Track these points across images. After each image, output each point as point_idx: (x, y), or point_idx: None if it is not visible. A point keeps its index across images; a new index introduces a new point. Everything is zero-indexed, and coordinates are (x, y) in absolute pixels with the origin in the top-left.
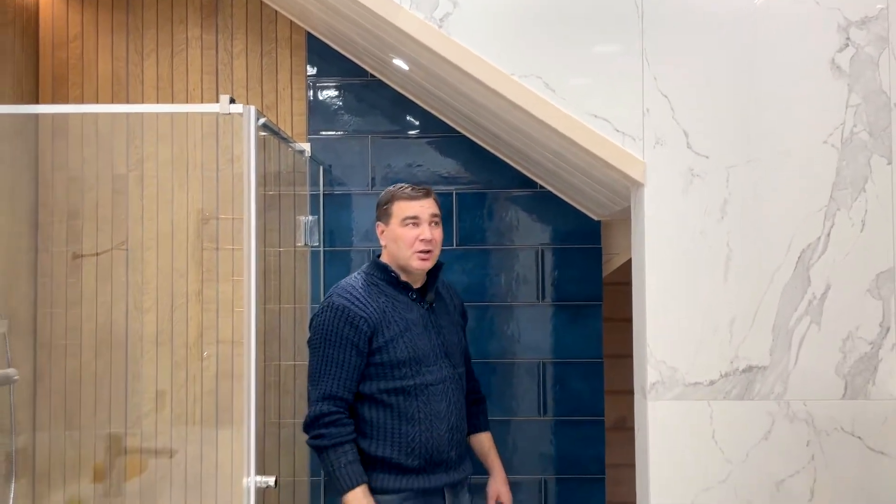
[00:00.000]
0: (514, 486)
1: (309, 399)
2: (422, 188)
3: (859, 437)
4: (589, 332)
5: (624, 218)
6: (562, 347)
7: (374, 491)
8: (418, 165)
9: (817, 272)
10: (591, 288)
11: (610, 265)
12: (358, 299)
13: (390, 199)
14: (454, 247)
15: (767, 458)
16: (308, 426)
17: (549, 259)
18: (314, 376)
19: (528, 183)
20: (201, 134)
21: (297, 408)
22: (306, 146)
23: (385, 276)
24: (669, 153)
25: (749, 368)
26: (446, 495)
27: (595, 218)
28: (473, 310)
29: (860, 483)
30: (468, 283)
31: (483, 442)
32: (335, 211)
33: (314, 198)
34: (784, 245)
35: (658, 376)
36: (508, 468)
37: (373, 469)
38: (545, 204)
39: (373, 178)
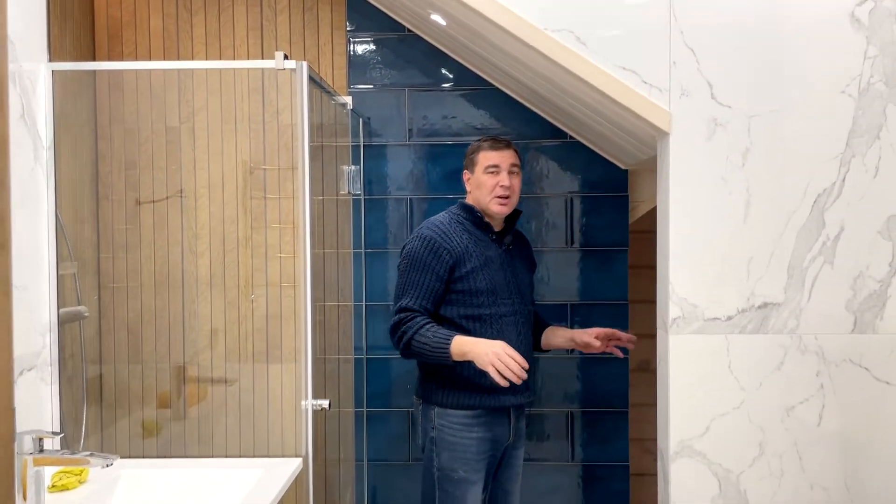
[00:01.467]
0: (542, 418)
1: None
2: (503, 139)
3: (866, 368)
4: (615, 276)
5: (650, 167)
6: (589, 290)
7: (449, 406)
8: (453, 117)
9: (832, 215)
10: (617, 234)
11: (635, 213)
12: (444, 233)
13: (476, 149)
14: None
15: (779, 387)
16: (391, 335)
17: (577, 206)
18: (397, 296)
19: (558, 133)
20: (248, 88)
21: (341, 345)
22: (348, 99)
23: (470, 216)
24: (694, 104)
25: (764, 305)
26: (511, 415)
27: (622, 167)
28: None
29: (865, 410)
30: None
31: (556, 329)
32: (374, 161)
33: (355, 149)
34: (801, 190)
35: (679, 312)
36: (538, 401)
37: (451, 387)
38: (574, 153)
39: (409, 130)
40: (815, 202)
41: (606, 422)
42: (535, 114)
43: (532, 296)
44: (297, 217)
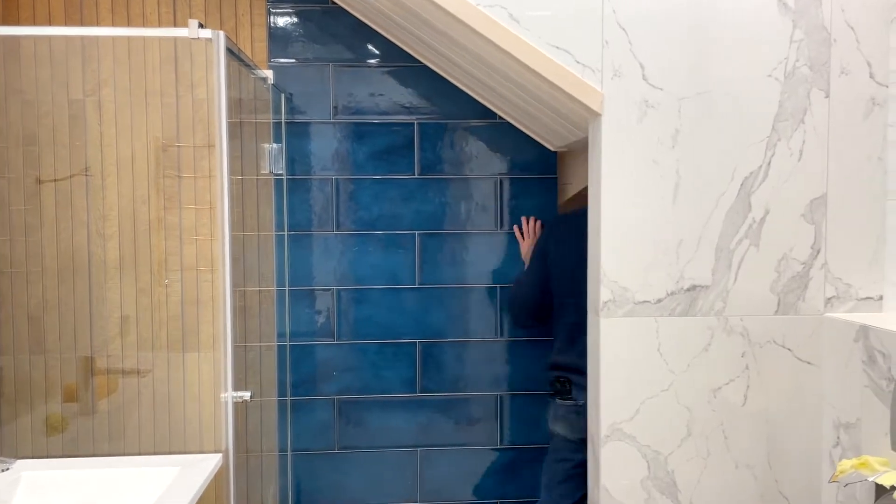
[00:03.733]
0: (471, 402)
1: None
2: None
3: (789, 349)
4: None
5: (580, 149)
6: (518, 272)
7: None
8: (380, 95)
9: (758, 198)
10: (547, 216)
11: (564, 195)
12: None
13: None
14: (415, 176)
15: (706, 368)
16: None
17: (507, 188)
18: None
19: (487, 114)
20: (160, 59)
21: (263, 332)
22: (269, 73)
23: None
24: (626, 85)
25: (693, 287)
26: None
27: (552, 149)
28: (434, 237)
29: (788, 389)
30: (429, 212)
31: None
32: (297, 139)
33: (276, 126)
34: (729, 173)
35: (610, 295)
36: (466, 386)
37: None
38: (504, 135)
39: (334, 108)
40: (742, 185)
41: (535, 403)
42: (464, 93)
43: None
44: (214, 197)
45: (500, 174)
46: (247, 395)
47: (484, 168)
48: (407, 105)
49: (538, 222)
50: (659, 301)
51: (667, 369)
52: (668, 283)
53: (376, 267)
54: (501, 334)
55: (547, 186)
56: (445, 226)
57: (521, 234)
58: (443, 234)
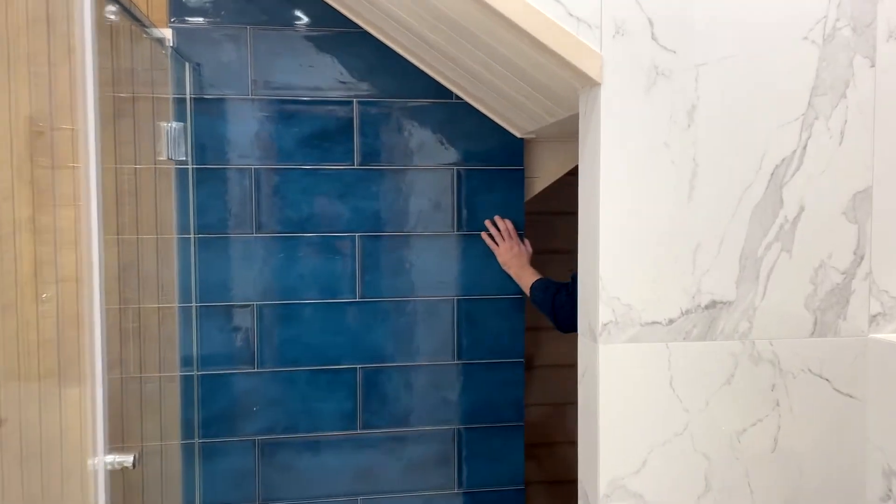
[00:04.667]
0: (423, 439)
1: None
2: None
3: (827, 380)
4: None
5: (551, 136)
6: (479, 283)
7: None
8: (310, 67)
9: (790, 191)
10: (512, 215)
11: (530, 190)
12: None
13: None
14: (354, 166)
15: (729, 405)
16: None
17: (465, 182)
18: None
19: (442, 92)
20: (27, 17)
21: (164, 359)
22: (167, 32)
23: None
24: (631, 46)
25: (713, 304)
26: None
27: (518, 135)
28: (377, 240)
29: (826, 429)
30: (372, 210)
31: None
32: (206, 119)
33: (180, 102)
34: (756, 159)
35: (611, 315)
36: (418, 419)
37: None
38: (462, 118)
39: (253, 81)
40: (772, 175)
41: (500, 436)
42: (414, 67)
43: None
44: (78, 189)
45: (456, 165)
46: (128, 459)
47: (438, 157)
48: (344, 80)
49: (509, 221)
50: (671, 322)
51: (681, 408)
52: (682, 300)
53: (307, 277)
54: (459, 356)
55: (512, 180)
56: (392, 227)
57: (494, 239)
58: (388, 237)
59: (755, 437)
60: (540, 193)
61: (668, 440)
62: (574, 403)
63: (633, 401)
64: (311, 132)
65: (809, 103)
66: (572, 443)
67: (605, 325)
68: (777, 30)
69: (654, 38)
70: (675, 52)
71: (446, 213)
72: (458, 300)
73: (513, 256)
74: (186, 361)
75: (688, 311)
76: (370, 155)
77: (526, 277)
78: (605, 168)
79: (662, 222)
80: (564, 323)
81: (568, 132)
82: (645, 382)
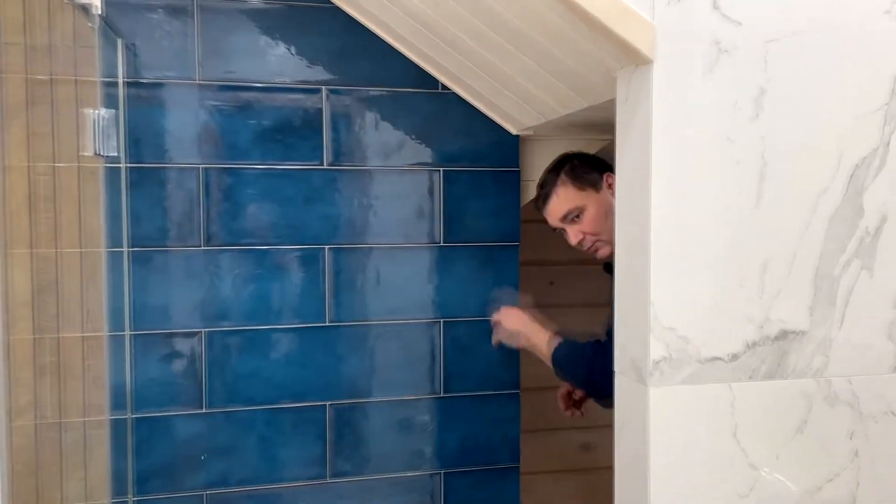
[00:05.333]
0: (406, 485)
1: None
2: (542, 184)
3: None
4: (502, 280)
5: (551, 133)
6: (467, 302)
7: None
8: (272, 47)
9: (872, 197)
10: (506, 223)
11: (525, 195)
12: None
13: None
14: (323, 166)
15: (801, 458)
16: None
17: (452, 185)
18: None
19: (426, 80)
20: None
21: (91, 399)
22: (95, 1)
23: None
24: (689, 14)
25: (783, 335)
26: None
27: (514, 131)
28: (350, 254)
29: None
30: (343, 218)
31: None
32: (143, 108)
33: (110, 87)
34: (833, 158)
35: (664, 351)
36: (399, 463)
37: None
38: (449, 110)
39: (200, 64)
40: (850, 178)
41: (492, 482)
42: (394, 50)
43: None
44: None
45: (442, 165)
46: None
47: (421, 156)
48: (312, 63)
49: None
50: (735, 357)
51: (746, 463)
52: (747, 330)
53: (266, 298)
54: (445, 388)
55: (506, 182)
56: (367, 237)
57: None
58: (363, 250)
59: (830, 496)
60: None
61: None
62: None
63: (688, 456)
64: (272, 125)
65: (894, 91)
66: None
67: (658, 362)
68: (856, 2)
69: (715, 5)
70: (740, 24)
71: (430, 222)
72: (443, 323)
73: (517, 321)
74: (118, 402)
75: (754, 344)
76: (342, 153)
77: (540, 341)
78: (657, 168)
79: (725, 235)
80: (607, 392)
81: (572, 126)
82: (704, 432)
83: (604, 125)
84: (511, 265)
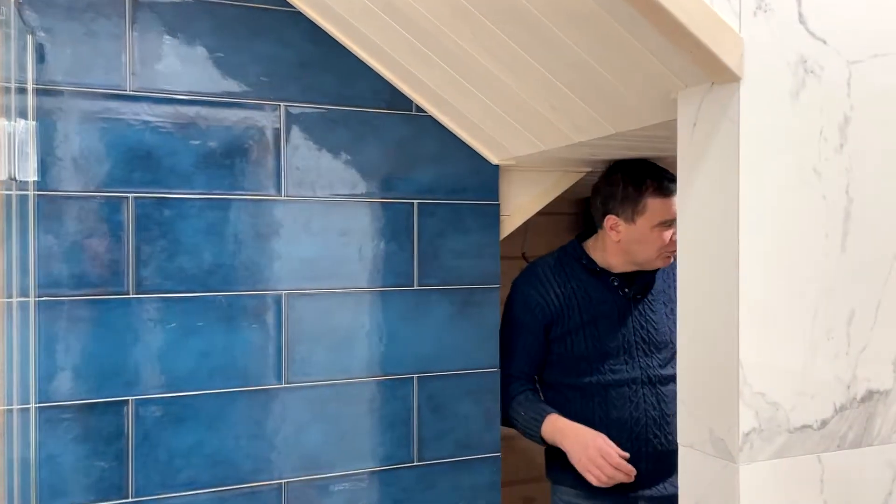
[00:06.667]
0: None
1: None
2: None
3: None
4: (482, 328)
5: (528, 165)
6: (444, 354)
7: (553, 481)
8: (218, 54)
9: None
10: (486, 263)
11: (503, 229)
12: (542, 281)
13: (640, 193)
14: (281, 196)
15: None
16: None
17: (427, 219)
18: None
19: (399, 100)
20: None
21: None
22: None
23: (577, 261)
24: (775, 27)
25: (869, 395)
26: None
27: (494, 161)
28: (311, 300)
29: None
30: (304, 258)
31: None
32: (58, 123)
33: (18, 97)
34: None
35: (755, 420)
36: None
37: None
38: (424, 135)
39: (132, 74)
40: None
41: None
42: (362, 64)
43: (673, 354)
44: None
45: (416, 197)
46: None
47: (392, 186)
48: (268, 78)
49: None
50: (824, 424)
51: None
52: (836, 391)
53: (210, 356)
54: (420, 455)
55: (486, 217)
56: (330, 280)
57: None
58: (326, 295)
59: None
60: (514, 234)
61: None
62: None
63: None
64: (220, 147)
65: None
66: None
67: (748, 434)
68: None
69: (801, 19)
70: (824, 43)
71: (404, 262)
72: (418, 379)
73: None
74: (21, 493)
75: (842, 408)
76: (303, 181)
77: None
78: (745, 206)
79: (814, 283)
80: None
81: (551, 159)
82: None
83: (581, 160)
84: (491, 310)
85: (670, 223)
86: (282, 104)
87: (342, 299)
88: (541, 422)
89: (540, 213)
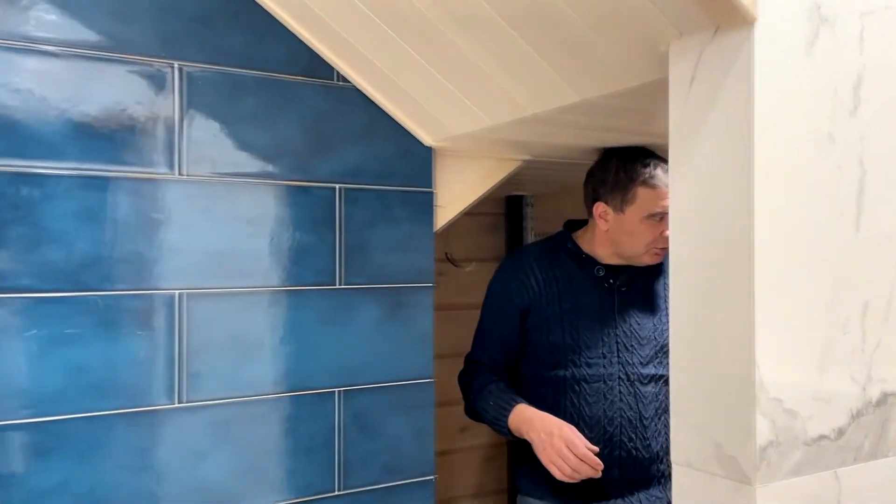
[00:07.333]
0: None
1: None
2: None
3: None
4: (415, 333)
5: (461, 149)
6: (372, 363)
7: (519, 491)
8: (91, 8)
9: None
10: (419, 259)
11: (437, 220)
12: (523, 266)
13: (631, 181)
14: (175, 175)
15: None
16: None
17: (353, 207)
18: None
19: (318, 67)
20: None
21: None
22: None
23: (563, 247)
24: None
25: (884, 398)
26: None
27: (428, 141)
28: (213, 301)
29: None
30: (204, 250)
31: None
32: None
33: None
34: None
35: (771, 432)
36: None
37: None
38: (348, 110)
39: None
40: None
41: None
42: (275, 20)
43: (656, 353)
44: None
45: (340, 181)
46: None
47: (311, 168)
48: (160, 29)
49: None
50: (841, 433)
51: None
52: (852, 393)
53: (85, 371)
54: (344, 483)
55: (419, 206)
56: (237, 277)
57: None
58: (231, 295)
59: None
60: (452, 227)
61: None
62: None
63: None
64: (98, 113)
65: None
66: None
67: (765, 449)
68: None
69: None
70: None
71: (326, 256)
72: (341, 393)
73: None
74: None
75: (859, 414)
76: (202, 158)
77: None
78: (760, 179)
79: (829, 268)
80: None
81: (491, 141)
82: None
83: (524, 144)
84: (425, 313)
85: (662, 216)
86: (176, 63)
87: (251, 300)
88: (509, 411)
89: (463, 213)
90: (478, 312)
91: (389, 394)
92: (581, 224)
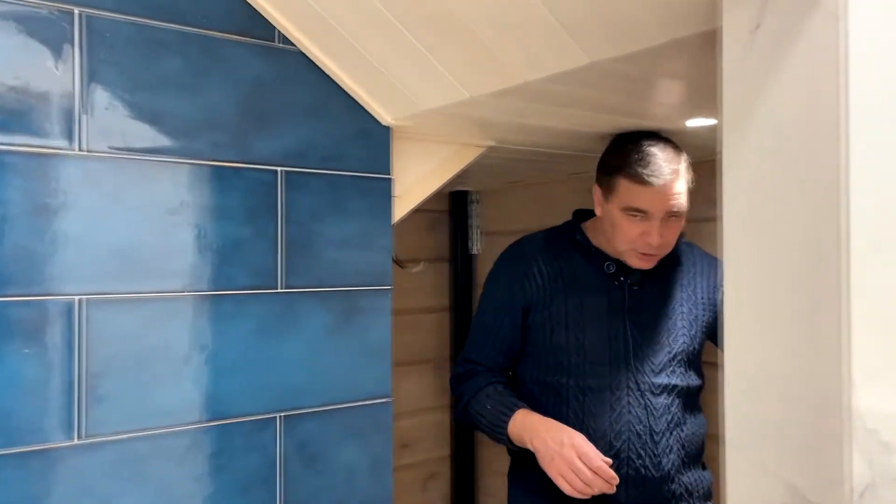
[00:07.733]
0: None
1: None
2: (670, 160)
3: None
4: (371, 345)
5: (421, 131)
6: (321, 383)
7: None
8: None
9: None
10: (375, 257)
11: (395, 211)
12: (527, 258)
13: (616, 170)
14: (74, 150)
15: None
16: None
17: (296, 195)
18: (468, 346)
19: (257, 25)
20: None
21: None
22: None
23: (571, 238)
24: None
25: None
26: None
27: (387, 120)
28: (124, 308)
29: None
30: (112, 245)
31: None
32: None
33: None
34: None
35: (868, 472)
36: None
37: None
38: (292, 78)
39: None
40: None
41: None
42: None
43: (683, 366)
44: None
45: (281, 163)
46: None
47: (248, 147)
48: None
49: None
50: None
51: None
52: None
53: None
54: None
55: (374, 195)
56: (153, 280)
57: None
58: (146, 302)
59: None
60: (410, 221)
61: None
62: None
63: None
64: None
65: None
66: None
67: (862, 494)
68: None
69: None
70: None
71: (263, 253)
72: (282, 419)
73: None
74: None
75: None
76: (110, 130)
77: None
78: (857, 155)
79: None
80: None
81: (457, 121)
82: None
83: (495, 126)
84: (382, 320)
85: (643, 215)
86: (77, 9)
87: (169, 308)
88: (509, 416)
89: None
90: (431, 317)
91: (340, 417)
92: (592, 214)
